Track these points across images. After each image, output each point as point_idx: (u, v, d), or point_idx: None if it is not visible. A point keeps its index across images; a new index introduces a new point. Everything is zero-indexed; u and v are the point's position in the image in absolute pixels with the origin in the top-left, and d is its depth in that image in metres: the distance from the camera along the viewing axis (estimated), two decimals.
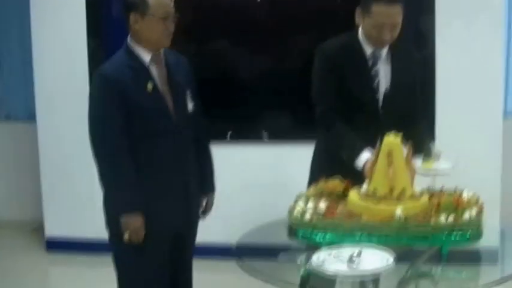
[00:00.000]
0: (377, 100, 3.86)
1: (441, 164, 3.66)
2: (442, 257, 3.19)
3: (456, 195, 3.27)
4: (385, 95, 3.86)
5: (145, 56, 3.61)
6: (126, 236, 3.56)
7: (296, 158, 5.59)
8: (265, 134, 6.12)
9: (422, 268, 3.31)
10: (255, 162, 6.05)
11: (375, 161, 3.33)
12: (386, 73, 3.86)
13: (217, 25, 6.14)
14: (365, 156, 3.56)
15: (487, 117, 5.73)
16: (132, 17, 3.56)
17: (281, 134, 6.09)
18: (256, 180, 5.96)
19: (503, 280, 2.97)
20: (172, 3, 3.63)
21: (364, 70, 3.84)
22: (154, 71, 3.64)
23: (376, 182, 3.28)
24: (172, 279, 3.84)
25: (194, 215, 3.89)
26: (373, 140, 3.56)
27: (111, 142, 3.54)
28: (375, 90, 3.85)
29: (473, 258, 3.42)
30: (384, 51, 3.85)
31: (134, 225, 3.54)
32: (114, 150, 3.54)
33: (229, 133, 6.12)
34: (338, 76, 3.81)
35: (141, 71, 3.60)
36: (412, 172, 3.32)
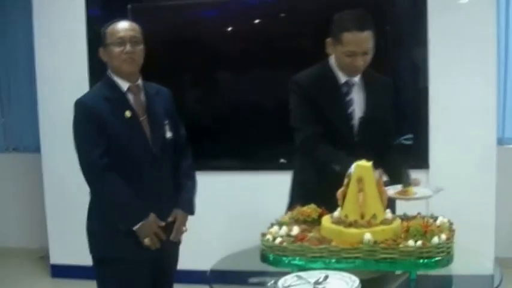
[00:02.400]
0: (351, 127, 3.89)
1: (421, 191, 3.68)
2: (411, 283, 3.16)
3: (425, 220, 3.27)
4: (360, 123, 3.90)
5: (123, 86, 3.72)
6: (146, 242, 3.67)
7: (274, 187, 5.72)
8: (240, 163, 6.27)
9: None
10: (235, 191, 6.21)
11: (346, 188, 3.34)
12: (360, 101, 3.90)
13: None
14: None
15: (481, 145, 5.75)
16: (100, 51, 3.73)
17: (257, 163, 6.24)
18: (237, 209, 6.12)
19: None
20: (130, 28, 3.73)
21: (338, 98, 3.88)
22: (132, 99, 3.74)
23: (347, 208, 3.30)
24: None
25: (171, 241, 3.92)
26: (348, 168, 3.52)
27: (99, 165, 3.62)
28: (349, 118, 3.89)
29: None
30: (357, 78, 3.89)
31: (152, 228, 3.69)
32: (103, 171, 3.62)
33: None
34: (312, 106, 3.86)
35: (119, 100, 3.70)
36: (384, 197, 3.32)
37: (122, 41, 3.67)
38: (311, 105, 3.86)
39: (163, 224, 3.74)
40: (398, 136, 4.07)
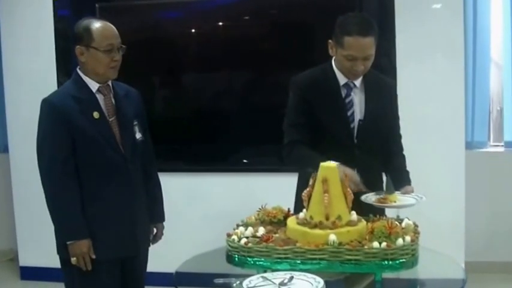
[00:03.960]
0: (352, 130, 3.86)
1: (403, 199, 3.67)
2: (376, 285, 3.16)
3: (390, 222, 3.27)
4: (360, 126, 3.87)
5: (93, 86, 3.69)
6: (73, 261, 3.62)
7: (240, 188, 5.73)
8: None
9: None
10: (202, 193, 6.23)
11: (311, 189, 3.34)
12: (360, 103, 3.88)
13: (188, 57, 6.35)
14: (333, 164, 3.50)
15: (450, 149, 5.81)
16: (78, 49, 3.65)
17: (222, 165, 6.27)
18: (204, 210, 6.15)
19: None
20: (117, 35, 3.70)
21: (338, 100, 3.85)
22: (101, 100, 3.71)
23: (312, 210, 3.31)
24: None
25: (142, 241, 3.93)
26: None
27: (57, 168, 3.60)
28: (349, 121, 3.86)
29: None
30: (359, 81, 3.87)
31: (81, 250, 3.60)
32: (60, 176, 3.60)
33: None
34: (311, 107, 3.84)
35: (88, 100, 3.67)
36: (349, 199, 3.32)
37: (111, 48, 3.63)
38: (307, 107, 3.85)
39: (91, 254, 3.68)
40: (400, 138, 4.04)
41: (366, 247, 3.11)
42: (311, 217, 3.29)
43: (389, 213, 3.71)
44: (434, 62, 5.72)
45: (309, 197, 3.36)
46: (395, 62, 5.68)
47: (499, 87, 6.53)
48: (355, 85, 3.86)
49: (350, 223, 3.28)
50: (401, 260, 3.12)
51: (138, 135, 3.82)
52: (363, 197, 3.60)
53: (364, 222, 3.36)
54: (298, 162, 3.81)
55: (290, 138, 3.89)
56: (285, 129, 3.94)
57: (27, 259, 6.69)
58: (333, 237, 3.14)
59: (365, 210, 3.53)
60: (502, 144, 6.54)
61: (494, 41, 6.39)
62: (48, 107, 3.64)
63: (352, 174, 3.55)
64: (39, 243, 6.09)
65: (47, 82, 6.03)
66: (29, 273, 6.67)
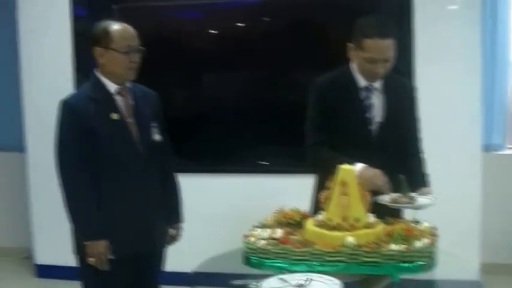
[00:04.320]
0: (371, 133, 3.87)
1: (419, 199, 3.66)
2: (393, 287, 3.18)
3: (408, 224, 3.28)
4: (379, 128, 3.88)
5: (111, 87, 3.71)
6: (91, 261, 3.64)
7: (259, 189, 5.73)
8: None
9: None
10: (221, 193, 6.23)
11: (330, 191, 3.35)
12: (380, 105, 3.89)
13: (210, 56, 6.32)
14: (358, 166, 3.55)
15: (466, 151, 5.79)
16: (97, 50, 3.67)
17: (241, 165, 6.25)
18: (222, 211, 6.14)
19: None
20: (136, 37, 3.71)
21: (358, 103, 3.86)
22: (119, 101, 3.73)
23: (330, 211, 3.32)
24: None
25: (158, 243, 3.95)
26: None
27: (75, 169, 3.62)
28: (368, 123, 3.87)
29: None
30: (378, 83, 3.87)
31: (98, 250, 3.62)
32: (78, 177, 3.62)
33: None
34: (331, 109, 3.84)
35: (106, 102, 3.69)
36: (367, 201, 3.34)
37: (130, 50, 3.65)
38: (327, 109, 3.86)
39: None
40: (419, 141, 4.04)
41: (383, 249, 3.12)
42: (329, 219, 3.30)
43: (408, 215, 3.70)
44: (451, 64, 5.70)
45: (327, 199, 3.36)
46: (413, 64, 5.66)
47: None
48: (374, 87, 3.87)
49: (368, 225, 3.29)
50: (419, 263, 3.13)
51: (157, 137, 3.83)
52: (379, 198, 3.60)
53: (381, 224, 3.37)
54: (323, 164, 3.77)
55: (312, 140, 3.90)
56: (307, 131, 3.94)
57: (42, 257, 6.72)
58: (350, 239, 3.15)
59: (382, 213, 3.53)
60: None
61: None
62: (67, 108, 3.66)
63: (379, 173, 3.58)
64: (54, 242, 6.11)
65: (64, 82, 6.06)
66: (45, 271, 6.70)
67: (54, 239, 6.10)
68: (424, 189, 3.76)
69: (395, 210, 3.66)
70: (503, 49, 6.30)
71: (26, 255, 7.19)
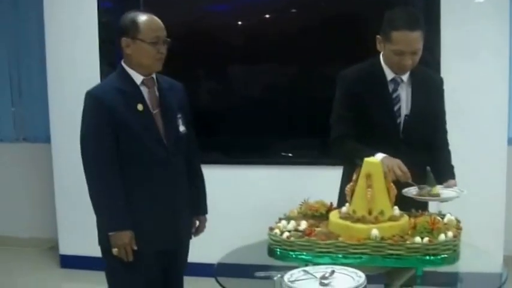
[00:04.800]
0: (398, 125, 3.87)
1: (445, 192, 3.67)
2: (417, 279, 3.18)
3: (432, 217, 3.27)
4: (406, 120, 3.88)
5: (137, 79, 3.72)
6: (114, 252, 3.65)
7: (284, 181, 5.73)
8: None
9: None
10: (246, 185, 6.27)
11: (355, 184, 3.35)
12: (407, 98, 3.88)
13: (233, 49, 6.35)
14: (379, 156, 3.57)
15: (492, 144, 5.80)
16: (124, 41, 3.67)
17: (267, 157, 6.29)
18: (248, 203, 6.18)
19: None
20: (163, 28, 3.72)
21: (385, 95, 3.86)
22: (145, 93, 3.74)
23: (355, 204, 3.32)
24: None
25: (184, 234, 3.97)
26: None
27: (101, 160, 3.63)
28: (396, 116, 3.87)
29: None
30: (406, 76, 3.87)
31: (123, 241, 3.63)
32: (103, 168, 3.63)
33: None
34: (358, 102, 3.85)
35: (132, 93, 3.70)
36: (392, 194, 3.32)
37: (157, 41, 3.65)
38: (354, 101, 3.86)
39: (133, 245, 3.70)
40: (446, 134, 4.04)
41: (408, 242, 3.12)
42: (354, 211, 3.30)
43: (432, 208, 3.70)
44: (478, 58, 5.69)
45: (352, 191, 3.37)
46: (440, 57, 5.65)
47: None
48: (402, 80, 3.87)
49: (392, 218, 3.28)
50: (442, 256, 3.12)
51: (182, 128, 3.84)
52: (405, 190, 3.60)
53: (406, 217, 3.36)
54: (347, 156, 3.78)
55: (338, 133, 3.91)
56: (332, 123, 3.95)
57: (67, 248, 6.79)
58: (375, 231, 3.15)
59: (408, 205, 3.54)
60: None
61: None
62: (92, 99, 3.67)
63: (400, 163, 3.57)
64: (79, 232, 6.15)
65: (90, 73, 6.08)
66: (69, 261, 6.77)
67: (79, 230, 6.16)
68: (450, 182, 3.75)
69: (422, 202, 3.65)
70: None
71: (51, 245, 7.24)
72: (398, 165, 3.57)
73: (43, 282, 6.56)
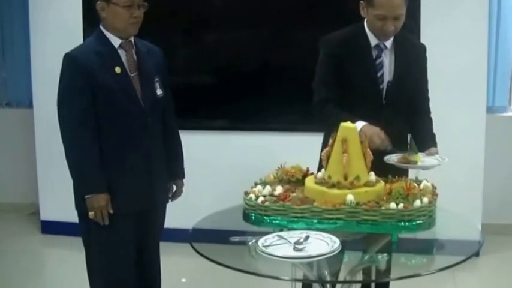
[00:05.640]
0: (381, 91, 3.87)
1: (427, 160, 3.68)
2: (392, 245, 3.19)
3: (408, 183, 3.27)
4: (389, 87, 3.88)
5: (115, 42, 3.70)
6: (91, 215, 3.65)
7: (262, 147, 5.74)
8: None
9: (374, 255, 3.34)
10: (223, 151, 6.30)
11: (331, 149, 3.35)
12: (390, 65, 3.88)
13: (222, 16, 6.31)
14: (359, 124, 3.57)
15: (471, 113, 5.83)
16: (99, 4, 3.66)
17: (245, 124, 6.29)
18: (225, 168, 6.21)
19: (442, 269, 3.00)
20: None
21: (368, 61, 3.85)
22: (123, 56, 3.72)
23: (330, 169, 3.32)
24: (139, 258, 3.93)
25: (160, 197, 3.96)
26: None
27: (76, 123, 3.62)
28: (379, 82, 3.86)
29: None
30: (389, 42, 3.87)
31: (99, 204, 3.64)
32: (79, 131, 3.62)
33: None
34: (341, 67, 3.84)
35: (110, 55, 3.69)
36: (368, 160, 3.33)
37: (131, 4, 3.63)
38: (337, 66, 3.86)
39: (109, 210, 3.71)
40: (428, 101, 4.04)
41: (383, 208, 3.13)
42: (329, 177, 3.30)
43: (413, 175, 3.72)
44: (457, 26, 5.70)
45: (328, 156, 3.37)
46: (420, 24, 5.65)
47: None
48: (386, 46, 3.86)
49: (368, 183, 3.29)
50: (418, 222, 3.14)
51: (159, 91, 3.83)
52: (386, 157, 3.62)
53: (382, 183, 3.37)
54: (328, 120, 3.76)
55: (320, 96, 3.89)
56: (315, 87, 3.94)
57: (48, 213, 6.77)
58: (350, 197, 3.15)
59: (388, 171, 3.54)
60: None
61: None
62: (70, 60, 3.66)
63: (379, 132, 3.58)
64: (60, 198, 6.11)
65: (73, 37, 6.00)
66: (50, 227, 6.75)
67: (60, 196, 6.12)
68: (432, 150, 3.76)
69: (403, 169, 3.66)
70: (509, 12, 6.29)
71: (33, 210, 7.24)
72: (377, 134, 3.58)
73: (24, 248, 6.55)
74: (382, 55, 3.87)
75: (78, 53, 3.68)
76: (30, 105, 6.92)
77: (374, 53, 3.86)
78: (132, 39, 3.76)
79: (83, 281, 3.97)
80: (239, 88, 6.18)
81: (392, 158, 3.62)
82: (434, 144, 3.83)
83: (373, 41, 3.85)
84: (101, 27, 3.74)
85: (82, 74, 3.60)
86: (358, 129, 3.48)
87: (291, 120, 5.98)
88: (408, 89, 3.90)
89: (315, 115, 3.94)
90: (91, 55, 3.65)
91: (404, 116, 3.88)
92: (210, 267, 3.08)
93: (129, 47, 3.74)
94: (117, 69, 3.67)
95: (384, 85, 3.87)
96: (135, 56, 3.77)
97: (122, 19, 3.63)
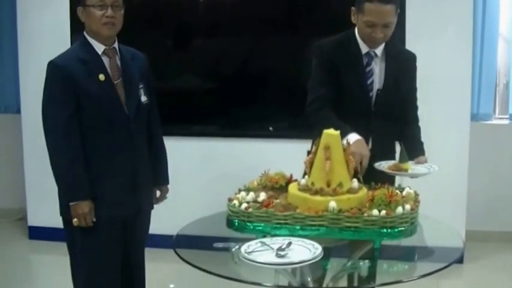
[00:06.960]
0: (370, 98, 3.90)
1: (416, 168, 3.73)
2: (375, 252, 3.21)
3: (390, 190, 3.30)
4: (378, 95, 3.90)
5: (99, 48, 3.71)
6: (74, 223, 3.66)
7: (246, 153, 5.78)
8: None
9: (357, 262, 3.39)
10: (208, 158, 6.31)
11: (314, 155, 3.37)
12: (380, 73, 3.92)
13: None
14: (352, 137, 3.58)
15: (455, 120, 5.88)
16: (79, 10, 3.70)
17: (231, 130, 6.31)
18: (209, 175, 6.23)
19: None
20: None
21: (359, 68, 3.88)
22: (107, 63, 3.73)
23: (314, 176, 3.34)
24: (124, 264, 3.93)
25: (144, 203, 3.97)
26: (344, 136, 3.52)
27: (61, 130, 3.63)
28: (368, 89, 3.89)
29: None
30: (380, 51, 3.90)
31: (83, 211, 3.65)
32: (63, 138, 3.63)
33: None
34: (333, 71, 3.87)
35: (94, 63, 3.69)
36: (351, 166, 3.35)
37: (103, 4, 3.64)
38: (330, 70, 3.88)
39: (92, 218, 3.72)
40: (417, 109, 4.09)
41: (365, 215, 3.15)
42: (312, 183, 3.32)
43: (396, 182, 3.75)
44: (442, 35, 5.75)
45: (311, 163, 3.39)
46: (404, 31, 5.68)
47: (506, 61, 6.58)
48: (376, 54, 3.90)
49: (351, 190, 3.31)
50: (400, 228, 3.16)
51: (143, 98, 3.84)
52: (376, 164, 3.66)
53: (365, 190, 3.38)
54: (324, 123, 3.68)
55: (315, 94, 3.90)
56: (310, 87, 3.97)
57: (35, 219, 6.77)
58: (333, 204, 3.17)
59: (377, 178, 3.57)
60: (507, 116, 6.60)
61: (503, 15, 6.41)
62: (54, 68, 3.67)
63: (364, 157, 3.55)
64: (48, 204, 6.05)
65: (61, 44, 6.00)
66: (37, 232, 6.75)
67: (47, 201, 6.08)
68: (421, 158, 3.81)
69: (390, 177, 3.70)
70: (493, 20, 6.34)
71: (20, 216, 7.24)
72: (361, 158, 3.54)
73: (11, 253, 6.56)
74: (373, 63, 3.90)
75: (61, 61, 3.69)
76: (18, 110, 6.91)
77: (364, 61, 3.89)
78: (116, 45, 3.78)
79: (70, 287, 3.96)
80: (225, 95, 6.21)
81: (382, 165, 3.66)
82: (423, 153, 3.88)
83: (363, 48, 3.88)
84: (85, 33, 3.76)
85: (66, 82, 3.61)
86: (351, 142, 3.50)
87: (278, 127, 6.00)
88: (397, 98, 3.93)
89: (308, 116, 3.95)
90: (75, 62, 3.65)
91: (393, 124, 3.92)
92: (194, 273, 3.10)
93: (112, 54, 3.75)
94: (101, 77, 3.68)
95: (374, 93, 3.90)
96: (119, 63, 3.78)
97: (95, 19, 3.65)
